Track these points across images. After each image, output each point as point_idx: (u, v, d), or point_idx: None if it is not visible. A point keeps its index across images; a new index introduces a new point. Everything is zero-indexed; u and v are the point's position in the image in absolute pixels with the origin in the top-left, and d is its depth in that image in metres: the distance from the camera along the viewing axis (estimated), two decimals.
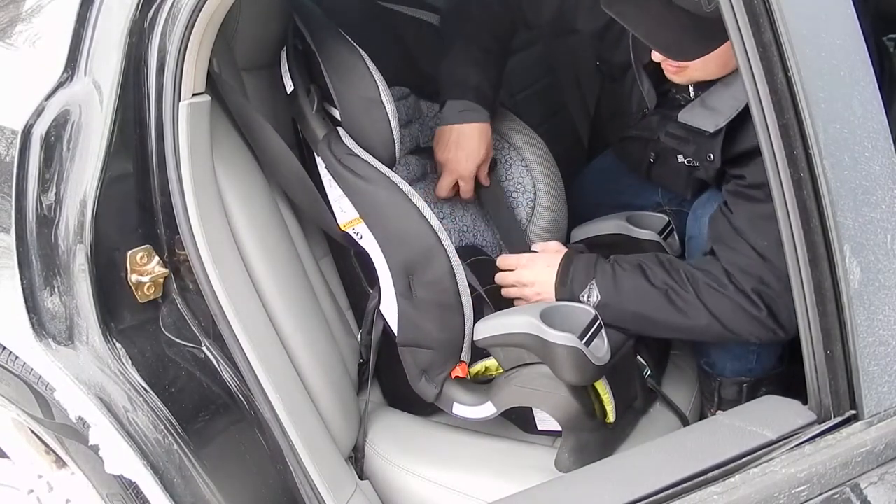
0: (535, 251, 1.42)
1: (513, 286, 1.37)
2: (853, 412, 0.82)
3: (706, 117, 1.27)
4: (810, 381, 0.85)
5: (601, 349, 1.12)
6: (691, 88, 1.33)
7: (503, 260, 1.40)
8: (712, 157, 1.28)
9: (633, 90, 1.47)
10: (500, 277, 1.39)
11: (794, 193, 0.80)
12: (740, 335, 1.21)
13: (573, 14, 1.45)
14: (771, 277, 1.17)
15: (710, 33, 1.11)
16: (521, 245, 1.54)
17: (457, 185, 1.49)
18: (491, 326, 1.19)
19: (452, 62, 1.47)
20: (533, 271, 1.34)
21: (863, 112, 0.80)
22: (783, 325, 1.18)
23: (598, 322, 1.14)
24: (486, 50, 1.48)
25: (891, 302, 0.81)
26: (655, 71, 1.34)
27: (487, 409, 1.21)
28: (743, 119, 1.23)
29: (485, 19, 1.49)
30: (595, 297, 1.25)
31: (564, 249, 1.37)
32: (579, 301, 1.26)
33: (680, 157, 1.40)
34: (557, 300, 1.28)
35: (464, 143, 1.45)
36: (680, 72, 1.25)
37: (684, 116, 1.31)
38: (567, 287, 1.28)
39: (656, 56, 1.25)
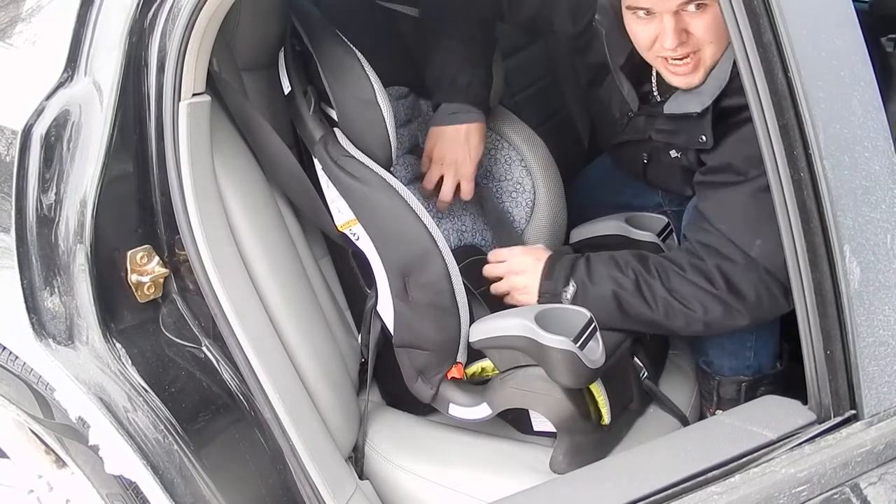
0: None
1: (501, 278, 1.37)
2: (853, 412, 0.82)
3: (691, 100, 1.27)
4: (810, 381, 0.85)
5: (596, 352, 1.12)
6: (654, 88, 1.35)
7: (494, 254, 1.40)
8: (704, 138, 1.27)
9: (611, 98, 1.47)
10: (488, 269, 1.38)
11: (794, 193, 0.80)
12: (698, 315, 1.21)
13: (550, 15, 1.45)
14: (736, 254, 1.18)
15: None
16: (514, 241, 1.54)
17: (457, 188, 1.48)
18: (486, 329, 1.19)
19: (440, 60, 1.46)
20: (522, 260, 1.34)
21: (863, 112, 0.80)
22: (747, 303, 1.19)
23: (592, 325, 1.14)
24: (471, 39, 1.46)
25: (891, 302, 0.81)
26: (632, 72, 1.36)
27: (483, 411, 1.21)
28: (726, 97, 1.22)
29: (465, 7, 1.47)
30: (572, 288, 1.26)
31: (550, 252, 1.37)
32: (561, 294, 1.27)
33: (672, 153, 1.40)
34: (540, 293, 1.29)
35: (464, 144, 1.44)
36: (695, 69, 1.23)
37: (670, 107, 1.31)
38: (552, 281, 1.29)
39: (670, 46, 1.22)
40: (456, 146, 1.43)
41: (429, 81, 1.49)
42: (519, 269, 1.34)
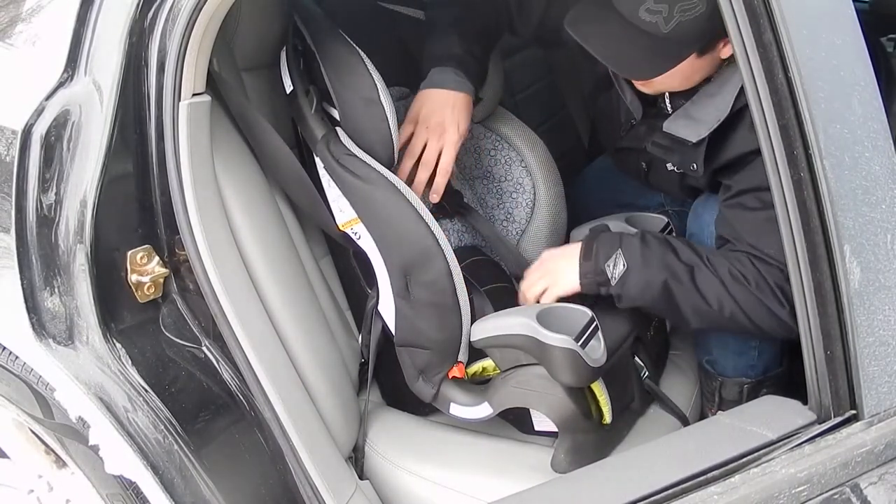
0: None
1: (536, 285, 1.31)
2: (853, 412, 0.82)
3: (689, 128, 1.28)
4: (810, 381, 0.85)
5: (597, 351, 1.12)
6: (667, 99, 1.34)
7: (525, 282, 1.34)
8: (696, 166, 1.29)
9: (620, 102, 1.48)
10: (527, 291, 1.32)
11: (794, 193, 0.80)
12: (762, 329, 1.18)
13: (558, 26, 1.46)
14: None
15: (667, 53, 1.16)
16: (512, 255, 1.54)
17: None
18: (487, 328, 1.19)
19: (437, 40, 1.42)
20: (554, 262, 1.29)
21: (863, 112, 0.80)
22: (795, 320, 1.16)
23: (594, 324, 1.14)
24: (470, 38, 1.43)
25: (891, 302, 0.81)
26: None
27: (484, 410, 1.21)
28: (726, 129, 1.24)
29: (471, 15, 1.47)
30: (622, 265, 1.21)
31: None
32: (604, 272, 1.22)
33: (669, 165, 1.41)
34: (581, 275, 1.24)
35: (451, 110, 1.37)
36: (646, 83, 1.28)
37: (669, 126, 1.32)
38: (592, 260, 1.24)
39: None
40: (443, 109, 1.37)
41: (425, 60, 1.44)
42: (551, 259, 1.29)
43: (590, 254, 1.25)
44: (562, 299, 1.27)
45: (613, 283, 1.22)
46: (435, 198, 1.42)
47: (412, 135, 1.38)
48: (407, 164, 1.38)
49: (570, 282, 1.26)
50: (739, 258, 1.19)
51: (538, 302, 1.31)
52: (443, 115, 1.36)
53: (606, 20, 1.18)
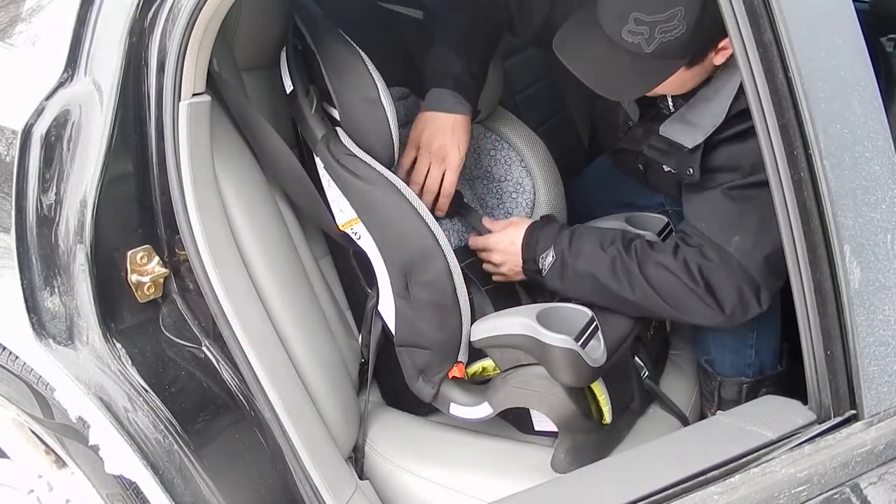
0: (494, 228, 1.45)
1: (490, 260, 1.42)
2: (853, 412, 0.82)
3: (685, 132, 1.29)
4: (810, 381, 0.85)
5: (597, 351, 1.12)
6: (668, 100, 1.34)
7: (475, 241, 1.44)
8: (692, 171, 1.29)
9: (618, 104, 1.48)
10: (483, 256, 1.43)
11: (794, 193, 0.80)
12: (678, 310, 1.23)
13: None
14: (713, 254, 1.20)
15: (652, 71, 1.16)
16: None
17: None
18: (487, 328, 1.19)
19: (437, 52, 1.43)
20: (506, 237, 1.38)
21: (863, 112, 0.80)
22: (722, 304, 1.19)
23: (594, 324, 1.14)
24: (469, 52, 1.44)
25: (891, 302, 0.81)
26: None
27: (484, 410, 1.21)
28: (719, 132, 1.24)
29: (471, 15, 1.47)
30: (551, 256, 1.29)
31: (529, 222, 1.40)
32: (538, 262, 1.31)
33: (665, 168, 1.42)
34: (524, 259, 1.34)
35: (458, 133, 1.39)
36: None
37: (665, 130, 1.33)
38: (531, 248, 1.33)
39: None
40: (444, 133, 1.39)
41: (425, 76, 1.44)
42: (502, 248, 1.38)
43: (531, 240, 1.35)
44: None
45: (544, 273, 1.31)
46: (440, 214, 1.45)
47: (415, 160, 1.40)
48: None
49: (513, 268, 1.37)
50: (670, 241, 1.27)
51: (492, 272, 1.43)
52: (444, 138, 1.38)
53: (591, 41, 1.18)
